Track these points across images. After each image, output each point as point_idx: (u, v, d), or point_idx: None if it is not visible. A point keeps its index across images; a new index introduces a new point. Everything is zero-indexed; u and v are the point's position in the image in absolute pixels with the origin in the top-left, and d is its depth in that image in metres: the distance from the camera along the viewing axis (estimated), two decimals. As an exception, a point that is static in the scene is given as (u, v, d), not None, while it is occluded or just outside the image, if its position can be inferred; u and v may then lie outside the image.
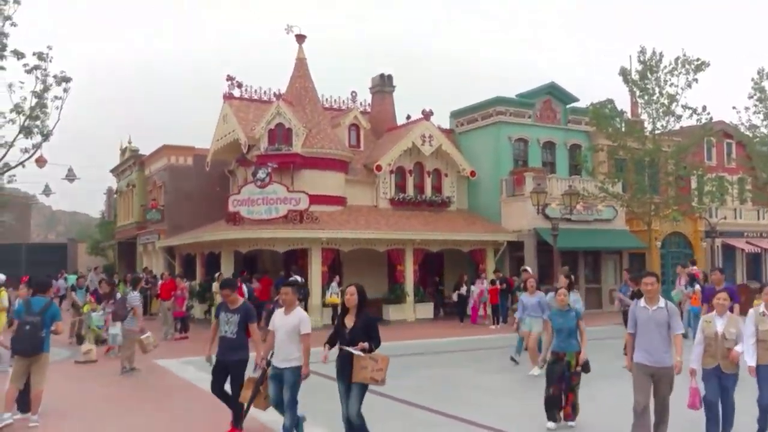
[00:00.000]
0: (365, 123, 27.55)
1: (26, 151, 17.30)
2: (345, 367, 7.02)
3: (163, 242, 27.65)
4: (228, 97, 25.40)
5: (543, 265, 24.08)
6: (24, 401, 9.49)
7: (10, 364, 10.02)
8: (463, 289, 23.13)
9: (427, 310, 24.33)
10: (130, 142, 34.38)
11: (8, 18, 16.48)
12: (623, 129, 24.41)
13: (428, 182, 26.67)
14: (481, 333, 19.77)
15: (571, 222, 24.17)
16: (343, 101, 28.09)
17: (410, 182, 26.32)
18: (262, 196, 21.85)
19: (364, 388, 7.01)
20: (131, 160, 33.00)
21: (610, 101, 24.72)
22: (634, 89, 23.98)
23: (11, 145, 17.04)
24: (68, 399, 10.50)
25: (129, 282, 15.11)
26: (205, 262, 24.73)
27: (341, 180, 24.65)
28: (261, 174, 21.94)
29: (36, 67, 16.85)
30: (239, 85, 25.49)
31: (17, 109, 16.78)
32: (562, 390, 8.28)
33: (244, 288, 19.10)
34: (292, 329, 7.34)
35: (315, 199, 22.34)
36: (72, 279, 23.53)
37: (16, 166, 17.64)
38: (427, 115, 26.05)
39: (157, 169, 29.99)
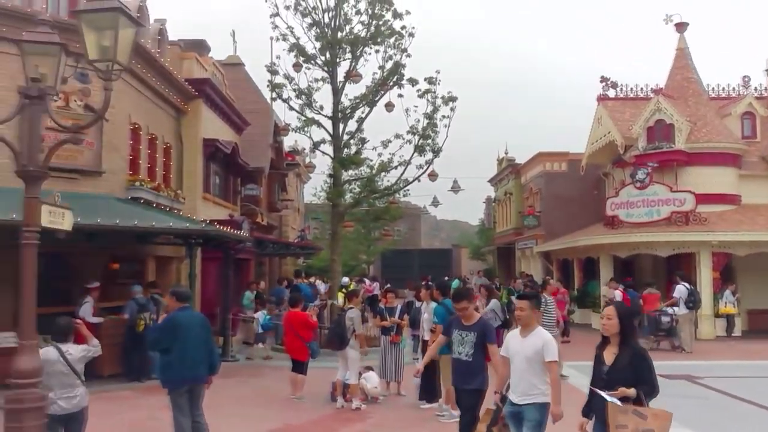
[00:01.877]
0: (762, 110, 24.32)
1: (420, 167, 19.14)
2: (601, 417, 5.10)
3: (541, 247, 28.40)
4: (602, 98, 24.99)
5: None
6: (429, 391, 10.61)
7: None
8: None
9: None
10: (506, 153, 36.13)
11: (404, 50, 18.58)
12: None
13: None
14: None
15: None
16: (733, 88, 25.33)
17: (824, 174, 22.41)
18: (641, 197, 21.20)
19: None
20: (508, 170, 34.59)
21: None
22: None
23: (408, 163, 19.09)
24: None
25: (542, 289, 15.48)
26: (582, 267, 24.69)
27: (733, 176, 22.21)
28: (640, 175, 21.35)
29: (427, 92, 18.59)
30: (614, 86, 24.92)
31: (412, 130, 18.75)
32: None
33: (628, 295, 18.50)
34: (533, 355, 5.85)
35: (702, 199, 20.75)
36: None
37: (413, 181, 19.63)
38: None
39: (532, 176, 30.91)
